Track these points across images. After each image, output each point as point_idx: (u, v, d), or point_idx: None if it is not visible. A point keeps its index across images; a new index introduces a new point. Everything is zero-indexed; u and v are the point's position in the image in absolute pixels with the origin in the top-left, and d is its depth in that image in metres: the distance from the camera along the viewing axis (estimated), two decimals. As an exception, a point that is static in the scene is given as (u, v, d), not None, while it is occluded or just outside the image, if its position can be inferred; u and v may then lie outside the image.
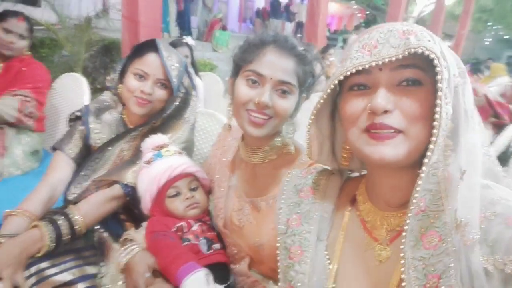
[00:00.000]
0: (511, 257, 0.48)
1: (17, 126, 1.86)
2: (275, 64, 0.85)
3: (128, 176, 1.15)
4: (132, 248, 0.97)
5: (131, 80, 1.17)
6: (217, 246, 1.01)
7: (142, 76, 1.18)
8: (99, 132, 1.25)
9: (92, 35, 4.33)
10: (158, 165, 1.04)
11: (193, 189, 1.06)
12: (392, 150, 0.53)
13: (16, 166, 1.79)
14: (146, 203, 1.05)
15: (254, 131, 0.87)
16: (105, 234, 1.22)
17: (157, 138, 1.12)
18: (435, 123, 0.49)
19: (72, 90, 2.04)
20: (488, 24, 16.73)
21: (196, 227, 1.00)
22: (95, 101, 1.34)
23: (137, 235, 1.00)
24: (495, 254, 0.49)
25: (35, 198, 1.11)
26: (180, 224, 0.98)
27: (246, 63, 0.88)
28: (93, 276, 1.15)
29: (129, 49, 1.28)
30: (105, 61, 4.86)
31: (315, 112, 0.65)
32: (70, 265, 1.10)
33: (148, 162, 1.06)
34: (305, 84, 0.90)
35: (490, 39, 18.94)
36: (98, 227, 1.23)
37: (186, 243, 0.96)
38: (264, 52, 0.86)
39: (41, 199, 1.11)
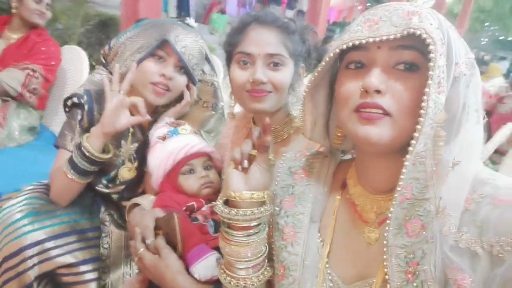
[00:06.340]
0: (497, 238, 0.48)
1: (19, 100, 1.80)
2: (260, 40, 0.85)
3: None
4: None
5: (148, 62, 1.09)
6: None
7: (161, 58, 1.10)
8: None
9: (88, 9, 4.19)
10: (175, 141, 1.02)
11: (207, 169, 1.05)
12: (378, 131, 0.52)
13: (12, 139, 1.74)
14: (157, 178, 1.04)
15: (256, 105, 0.87)
16: (108, 218, 1.21)
17: None
18: (421, 111, 0.49)
19: (72, 64, 1.98)
20: (486, 24, 16.81)
21: (206, 208, 0.99)
22: (90, 81, 1.24)
23: (144, 201, 1.00)
24: (483, 236, 0.49)
25: None
26: (191, 203, 0.97)
27: (234, 47, 0.88)
28: (96, 259, 1.14)
29: (127, 27, 1.19)
30: (100, 37, 4.71)
31: (310, 85, 0.64)
32: (73, 247, 1.09)
33: (163, 138, 1.03)
34: (297, 52, 0.89)
35: (487, 39, 19.09)
36: (103, 209, 1.22)
37: (195, 222, 0.95)
38: (248, 31, 0.86)
39: None
